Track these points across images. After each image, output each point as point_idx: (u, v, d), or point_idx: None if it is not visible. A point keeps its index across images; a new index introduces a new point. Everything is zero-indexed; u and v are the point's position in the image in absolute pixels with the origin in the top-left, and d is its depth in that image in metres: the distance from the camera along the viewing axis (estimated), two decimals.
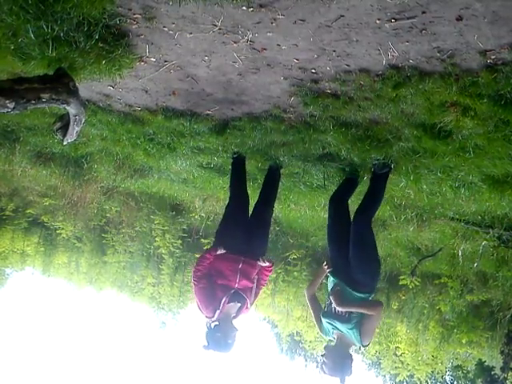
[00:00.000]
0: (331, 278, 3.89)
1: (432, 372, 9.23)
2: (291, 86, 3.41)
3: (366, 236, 3.86)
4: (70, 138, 3.19)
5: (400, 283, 7.25)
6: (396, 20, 2.56)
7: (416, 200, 4.86)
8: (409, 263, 6.91)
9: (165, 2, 2.77)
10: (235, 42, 3.02)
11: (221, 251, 3.79)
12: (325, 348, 3.69)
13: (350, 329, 3.57)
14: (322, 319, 3.79)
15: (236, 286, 3.75)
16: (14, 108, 2.61)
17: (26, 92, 2.64)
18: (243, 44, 3.01)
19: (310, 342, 10.63)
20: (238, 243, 3.88)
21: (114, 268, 10.42)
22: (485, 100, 2.92)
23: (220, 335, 3.61)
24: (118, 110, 4.48)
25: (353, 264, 3.78)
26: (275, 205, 5.01)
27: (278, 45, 2.97)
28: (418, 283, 7.20)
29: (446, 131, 3.38)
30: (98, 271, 10.98)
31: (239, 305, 3.75)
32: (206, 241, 8.37)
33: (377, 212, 4.23)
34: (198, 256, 4.42)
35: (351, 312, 3.62)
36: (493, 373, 5.86)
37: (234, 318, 3.75)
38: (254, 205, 4.33)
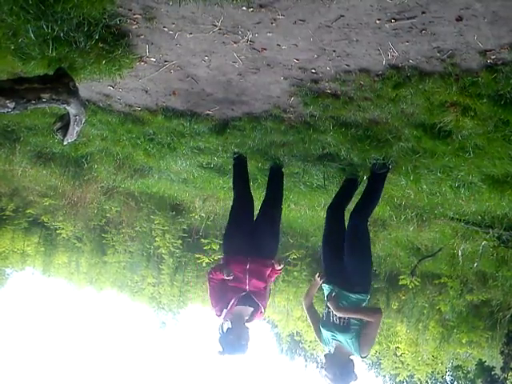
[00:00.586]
0: (326, 287, 3.87)
1: (432, 372, 9.24)
2: (291, 86, 3.41)
3: (360, 234, 3.86)
4: (70, 138, 3.19)
5: (400, 283, 7.26)
6: (396, 20, 2.57)
7: (416, 200, 4.86)
8: (409, 263, 6.92)
9: (165, 2, 2.77)
10: (235, 42, 3.02)
11: (228, 277, 3.69)
12: (325, 357, 3.66)
13: (350, 339, 3.53)
14: (322, 329, 3.76)
15: (247, 287, 3.74)
16: (14, 108, 2.61)
17: (26, 92, 2.64)
18: (243, 44, 3.01)
19: (310, 342, 10.64)
20: (243, 244, 3.89)
21: (114, 268, 10.43)
22: (485, 100, 2.92)
23: (233, 337, 3.59)
24: (118, 110, 4.49)
25: (347, 263, 3.78)
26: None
27: (278, 45, 2.97)
28: (417, 283, 7.21)
29: (446, 131, 3.38)
30: (98, 271, 10.99)
31: (251, 309, 3.72)
32: (206, 241, 8.38)
33: (374, 211, 4.23)
34: (212, 266, 4.47)
35: (350, 320, 3.57)
36: (493, 373, 5.87)
37: (248, 321, 3.72)
38: (260, 204, 4.31)
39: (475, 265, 6.07)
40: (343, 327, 3.58)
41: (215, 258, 8.48)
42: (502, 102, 2.88)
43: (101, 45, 3.06)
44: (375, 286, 8.34)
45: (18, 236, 10.96)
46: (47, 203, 9.47)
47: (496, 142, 3.29)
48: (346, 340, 3.56)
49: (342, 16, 2.62)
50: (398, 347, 9.26)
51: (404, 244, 6.41)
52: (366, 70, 3.02)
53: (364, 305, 3.76)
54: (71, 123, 3.05)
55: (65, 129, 3.13)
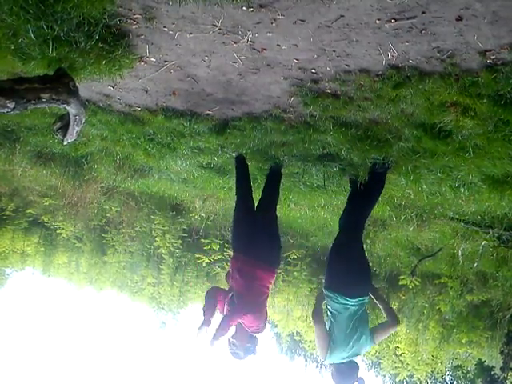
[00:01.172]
0: (332, 299, 3.74)
1: (432, 372, 9.24)
2: (291, 86, 3.41)
3: (358, 238, 3.89)
4: (70, 138, 3.19)
5: (400, 283, 7.26)
6: (396, 20, 2.57)
7: (416, 200, 4.86)
8: (409, 263, 6.92)
9: (165, 2, 2.77)
10: (235, 42, 3.02)
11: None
12: (330, 365, 3.69)
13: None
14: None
15: (234, 284, 3.77)
16: (14, 108, 2.61)
17: (26, 92, 2.64)
18: (243, 44, 3.01)
19: (310, 341, 10.64)
20: (241, 243, 4.00)
21: (114, 268, 10.43)
22: (485, 100, 2.92)
23: (237, 343, 3.67)
24: (118, 110, 4.49)
25: (350, 271, 3.77)
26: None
27: (278, 45, 2.97)
28: (417, 283, 7.21)
29: (446, 131, 3.38)
30: (98, 271, 11.00)
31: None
32: (206, 241, 8.38)
33: (371, 212, 4.24)
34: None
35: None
36: (493, 373, 5.87)
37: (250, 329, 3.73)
38: (256, 206, 4.30)
39: (475, 265, 6.06)
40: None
41: (215, 258, 8.48)
42: (502, 102, 2.88)
43: (101, 45, 3.06)
44: (375, 285, 8.34)
45: (18, 236, 10.96)
46: (47, 203, 9.48)
47: (496, 142, 3.29)
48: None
49: (342, 16, 2.62)
50: (397, 347, 9.26)
51: (404, 244, 6.41)
52: (366, 70, 3.02)
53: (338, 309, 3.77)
54: (71, 123, 3.05)
55: (65, 129, 3.13)
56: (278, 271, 4.01)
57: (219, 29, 2.90)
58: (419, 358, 9.02)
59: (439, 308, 7.52)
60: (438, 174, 4.02)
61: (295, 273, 8.33)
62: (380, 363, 10.31)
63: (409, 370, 9.37)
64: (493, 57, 2.63)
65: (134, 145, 5.11)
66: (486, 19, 2.41)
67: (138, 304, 11.64)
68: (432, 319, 7.91)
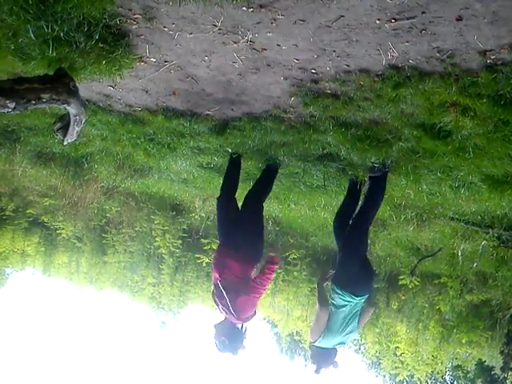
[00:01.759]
0: (340, 296, 3.84)
1: (432, 372, 9.24)
2: (291, 86, 3.41)
3: (361, 237, 3.94)
4: (71, 138, 3.20)
5: (400, 283, 7.26)
6: (396, 20, 2.57)
7: (416, 200, 4.86)
8: (409, 263, 6.92)
9: (165, 2, 2.77)
10: (235, 42, 3.02)
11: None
12: (310, 346, 3.92)
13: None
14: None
15: (217, 276, 3.73)
16: (14, 108, 2.61)
17: (26, 92, 2.64)
18: (243, 44, 3.01)
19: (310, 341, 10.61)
20: (220, 233, 4.10)
21: (114, 268, 10.43)
22: (484, 100, 2.92)
23: (219, 329, 3.65)
24: (119, 110, 4.49)
25: (346, 263, 3.89)
26: (276, 205, 4.99)
27: (278, 45, 2.97)
28: (417, 283, 7.20)
29: (446, 131, 3.38)
30: (98, 271, 11.00)
31: (220, 305, 3.66)
32: (206, 241, 8.38)
33: (376, 215, 4.25)
34: None
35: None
36: (493, 373, 5.87)
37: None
38: (244, 198, 4.25)
39: (475, 265, 6.06)
40: None
41: None
42: (502, 102, 2.88)
43: (101, 45, 3.06)
44: (375, 285, 8.34)
45: (18, 236, 10.96)
46: (47, 203, 9.48)
47: (496, 142, 3.29)
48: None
49: (342, 16, 2.62)
50: (397, 347, 9.26)
51: (404, 244, 6.41)
52: (366, 70, 3.02)
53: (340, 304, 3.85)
54: (71, 123, 3.05)
55: (65, 129, 3.13)
56: (258, 264, 3.96)
57: (219, 29, 2.90)
58: (419, 358, 9.02)
59: (439, 308, 7.52)
60: (438, 174, 4.02)
61: (295, 273, 8.33)
62: (380, 363, 10.31)
63: (409, 370, 9.37)
64: (493, 57, 2.64)
65: (134, 145, 5.12)
66: (485, 19, 2.41)
67: (138, 304, 11.65)
68: (432, 319, 7.91)
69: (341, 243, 4.04)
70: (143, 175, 6.33)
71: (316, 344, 3.81)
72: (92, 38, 2.98)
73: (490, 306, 7.06)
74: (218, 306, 3.69)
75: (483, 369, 5.96)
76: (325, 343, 3.79)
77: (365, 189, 4.33)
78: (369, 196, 4.14)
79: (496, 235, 5.27)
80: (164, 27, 3.01)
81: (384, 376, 11.12)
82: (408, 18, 2.54)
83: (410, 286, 7.22)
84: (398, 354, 9.36)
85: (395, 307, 8.26)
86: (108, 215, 9.55)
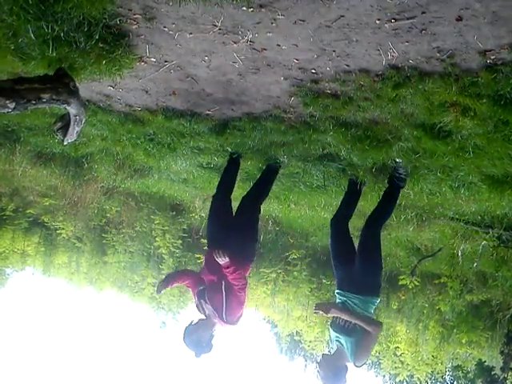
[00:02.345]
0: (339, 295, 3.88)
1: (432, 372, 9.23)
2: (291, 86, 3.41)
3: (375, 242, 3.98)
4: (71, 138, 3.20)
5: (400, 283, 7.26)
6: (396, 20, 2.57)
7: (416, 200, 4.86)
8: (409, 263, 6.92)
9: (165, 2, 2.77)
10: (235, 42, 3.02)
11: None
12: (322, 356, 3.72)
13: (350, 343, 3.57)
14: (330, 329, 3.81)
15: (204, 276, 3.73)
16: (14, 108, 2.61)
17: (26, 92, 2.64)
18: (243, 44, 3.01)
19: (310, 342, 10.62)
20: (212, 234, 4.05)
21: (114, 268, 10.42)
22: (484, 100, 2.92)
23: (192, 330, 3.58)
24: (119, 110, 4.49)
25: (360, 267, 3.84)
26: (276, 205, 4.97)
27: (278, 45, 2.97)
28: (417, 283, 7.20)
29: (446, 131, 3.38)
30: (98, 271, 10.99)
31: (211, 308, 3.61)
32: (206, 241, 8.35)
33: (389, 218, 4.32)
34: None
35: (355, 326, 3.61)
36: (493, 373, 5.85)
37: (216, 323, 3.63)
38: (241, 199, 4.24)
39: (475, 265, 6.06)
40: (347, 330, 3.62)
41: None
42: (502, 102, 2.88)
43: (101, 45, 3.06)
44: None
45: (18, 236, 10.95)
46: (47, 203, 9.48)
47: (496, 142, 3.29)
48: (346, 344, 3.60)
49: (342, 16, 2.62)
50: (397, 347, 9.26)
51: (404, 244, 6.41)
52: (366, 70, 3.02)
53: (373, 309, 3.83)
54: (71, 123, 3.06)
55: (65, 129, 3.14)
56: (252, 266, 3.98)
57: (219, 29, 2.90)
58: (419, 358, 9.01)
59: (439, 308, 7.52)
60: (438, 174, 4.02)
61: (295, 273, 8.32)
62: (380, 363, 10.30)
63: (409, 370, 9.37)
64: (493, 57, 2.64)
65: (134, 145, 5.12)
66: (485, 19, 2.42)
67: (138, 304, 11.64)
68: (432, 319, 7.91)
69: (360, 252, 3.98)
70: (143, 175, 6.33)
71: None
72: (92, 37, 2.98)
73: (490, 306, 7.05)
74: (203, 310, 3.64)
75: (483, 369, 5.94)
76: (331, 330, 3.76)
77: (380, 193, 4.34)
78: (384, 203, 4.18)
79: (496, 235, 5.27)
80: (164, 27, 3.01)
81: (384, 376, 11.12)
82: (408, 18, 2.54)
83: (410, 286, 7.21)
84: (398, 354, 9.36)
85: (395, 307, 8.26)
86: (108, 215, 9.55)
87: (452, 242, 5.76)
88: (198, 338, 3.56)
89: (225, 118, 4.14)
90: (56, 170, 6.63)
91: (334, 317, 3.78)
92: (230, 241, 3.77)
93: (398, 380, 9.92)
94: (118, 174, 6.25)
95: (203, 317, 3.67)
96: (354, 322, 3.59)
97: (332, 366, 3.56)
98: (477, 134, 3.30)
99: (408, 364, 9.28)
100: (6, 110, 2.60)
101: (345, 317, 3.63)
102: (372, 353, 3.91)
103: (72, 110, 2.93)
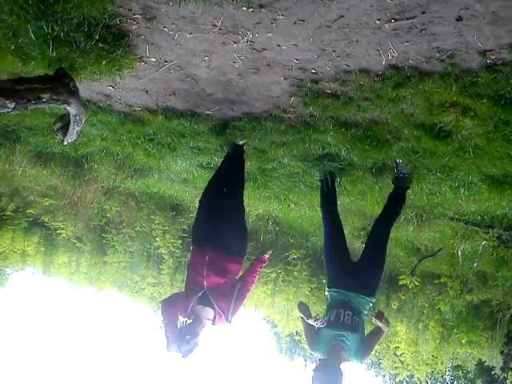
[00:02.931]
0: (331, 292, 3.86)
1: (432, 372, 9.23)
2: (291, 86, 3.41)
3: (383, 244, 3.96)
4: (71, 138, 3.20)
5: (400, 283, 7.26)
6: (396, 20, 2.57)
7: (416, 200, 4.86)
8: (409, 263, 6.92)
9: (165, 2, 2.77)
10: (235, 43, 3.02)
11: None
12: (319, 360, 3.65)
13: (355, 340, 3.55)
14: (324, 331, 3.70)
15: (204, 282, 3.53)
16: (14, 108, 2.61)
17: (26, 92, 2.64)
18: (243, 44, 3.01)
19: None
20: (206, 235, 3.72)
21: (114, 268, 10.42)
22: (484, 100, 2.92)
23: (181, 336, 3.45)
24: (119, 110, 4.49)
25: (364, 267, 3.84)
26: (276, 205, 4.95)
27: (278, 45, 2.97)
28: (417, 283, 7.20)
29: (446, 131, 3.38)
30: (98, 271, 10.99)
31: (212, 311, 3.52)
32: None
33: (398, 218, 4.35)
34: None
35: (359, 323, 3.62)
36: (493, 373, 5.85)
37: (212, 324, 3.55)
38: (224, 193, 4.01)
39: (475, 265, 6.06)
40: (353, 327, 3.61)
41: None
42: (502, 102, 2.88)
43: (101, 45, 3.06)
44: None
45: (18, 236, 10.95)
46: (47, 203, 9.48)
47: (496, 142, 3.29)
48: (351, 341, 3.57)
49: (342, 16, 2.62)
50: (397, 347, 9.25)
51: (404, 244, 6.41)
52: (366, 70, 3.02)
53: (368, 308, 3.82)
54: (71, 123, 3.05)
55: (65, 129, 3.14)
56: (243, 261, 3.83)
57: (219, 29, 2.90)
58: (419, 358, 9.01)
59: (439, 308, 7.52)
60: (438, 174, 4.02)
61: (295, 273, 8.32)
62: (380, 363, 10.30)
63: (409, 370, 9.36)
64: (493, 57, 2.64)
65: (134, 145, 5.12)
66: (485, 19, 2.42)
67: (138, 304, 11.64)
68: (432, 319, 7.91)
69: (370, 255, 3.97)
70: (143, 175, 6.33)
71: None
72: (92, 38, 2.98)
73: (490, 306, 7.05)
74: (193, 315, 3.52)
75: (483, 369, 5.94)
76: (327, 331, 3.71)
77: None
78: (392, 204, 4.21)
79: (496, 235, 5.27)
80: (164, 27, 3.01)
81: (384, 376, 11.11)
82: (408, 18, 2.54)
83: (410, 286, 7.22)
84: (398, 353, 9.35)
85: (395, 307, 8.25)
86: (108, 215, 9.55)
87: (452, 242, 5.76)
88: (190, 339, 3.45)
89: (225, 118, 4.14)
90: (56, 170, 6.62)
91: (333, 315, 3.75)
92: (227, 242, 3.67)
93: (398, 380, 9.92)
94: (118, 174, 6.24)
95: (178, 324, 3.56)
96: (381, 325, 3.61)
97: (331, 370, 3.50)
98: (477, 133, 3.30)
99: (408, 364, 9.28)
100: (5, 110, 2.60)
101: (385, 324, 3.64)
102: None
103: (72, 110, 2.93)
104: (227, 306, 3.56)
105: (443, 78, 2.88)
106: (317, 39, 2.84)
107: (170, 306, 3.66)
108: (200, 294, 3.53)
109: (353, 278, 3.77)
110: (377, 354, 9.84)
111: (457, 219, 5.27)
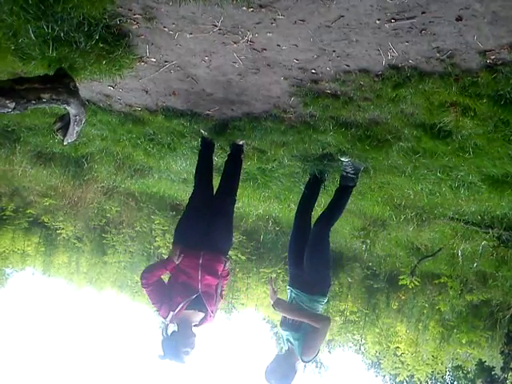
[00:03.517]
0: (288, 289, 3.93)
1: (432, 372, 9.24)
2: (291, 86, 3.41)
3: (324, 241, 4.00)
4: (71, 138, 3.20)
5: (400, 283, 7.27)
6: (396, 20, 2.57)
7: (416, 200, 4.87)
8: (409, 263, 6.92)
9: (165, 2, 2.77)
10: (235, 43, 3.02)
11: (179, 259, 3.57)
12: (275, 355, 3.69)
13: (297, 339, 3.56)
14: (280, 328, 3.81)
15: (199, 286, 3.49)
16: (14, 108, 2.61)
17: (26, 92, 2.64)
18: (243, 44, 3.01)
19: None
20: (198, 236, 3.65)
21: (114, 268, 10.44)
22: (484, 100, 2.92)
23: (176, 343, 3.38)
24: (119, 110, 4.49)
25: (307, 266, 3.87)
26: (276, 205, 4.95)
27: (278, 45, 2.97)
28: (417, 283, 7.21)
29: (446, 131, 3.38)
30: (98, 271, 11.00)
31: (202, 314, 3.50)
32: None
33: (338, 220, 4.36)
34: (149, 264, 4.21)
35: (302, 323, 3.60)
36: (493, 373, 5.86)
37: (196, 326, 3.51)
38: (214, 194, 4.07)
39: (475, 265, 6.07)
40: (295, 327, 3.63)
41: None
42: (502, 102, 2.88)
43: (101, 45, 3.06)
44: (375, 286, 8.35)
45: (18, 236, 10.96)
46: (47, 203, 9.49)
47: (496, 142, 3.29)
48: (294, 340, 3.60)
49: (342, 16, 2.62)
50: (397, 347, 9.27)
51: (404, 244, 6.41)
52: (366, 70, 3.02)
53: (321, 308, 3.83)
54: (71, 123, 3.05)
55: (65, 129, 3.14)
56: (227, 259, 3.82)
57: (219, 29, 2.90)
58: (419, 358, 9.02)
59: (439, 308, 7.53)
60: (438, 174, 4.02)
61: None
62: (380, 363, 10.31)
63: (409, 371, 9.37)
64: (493, 57, 2.64)
65: (134, 145, 5.12)
66: (485, 19, 2.41)
67: (138, 304, 11.65)
68: (432, 319, 7.92)
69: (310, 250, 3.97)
70: (143, 175, 6.34)
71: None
72: (92, 38, 2.98)
73: (490, 306, 7.06)
74: (180, 319, 3.48)
75: (483, 369, 5.94)
76: (281, 330, 3.78)
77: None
78: (334, 204, 4.25)
79: (496, 235, 5.28)
80: (164, 27, 3.01)
81: (384, 376, 11.12)
82: (408, 18, 2.54)
83: (410, 286, 7.22)
84: (398, 354, 9.36)
85: (395, 307, 8.27)
86: (108, 215, 9.56)
87: (452, 242, 5.76)
88: (187, 351, 3.42)
89: (225, 118, 4.14)
90: (56, 170, 6.63)
91: (283, 316, 3.78)
92: (214, 242, 3.67)
93: (398, 380, 9.93)
94: (118, 174, 6.25)
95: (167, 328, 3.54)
96: (299, 319, 3.59)
97: (283, 365, 3.54)
98: (477, 133, 3.30)
99: (408, 364, 9.29)
100: (5, 110, 2.60)
101: (288, 315, 3.65)
102: (321, 347, 3.89)
103: (72, 110, 2.93)
104: (216, 307, 3.57)
105: (443, 78, 2.88)
106: (317, 39, 2.84)
107: (149, 273, 3.63)
108: (193, 297, 3.46)
109: (299, 276, 3.86)
110: (377, 354, 9.85)
111: (457, 219, 5.27)
